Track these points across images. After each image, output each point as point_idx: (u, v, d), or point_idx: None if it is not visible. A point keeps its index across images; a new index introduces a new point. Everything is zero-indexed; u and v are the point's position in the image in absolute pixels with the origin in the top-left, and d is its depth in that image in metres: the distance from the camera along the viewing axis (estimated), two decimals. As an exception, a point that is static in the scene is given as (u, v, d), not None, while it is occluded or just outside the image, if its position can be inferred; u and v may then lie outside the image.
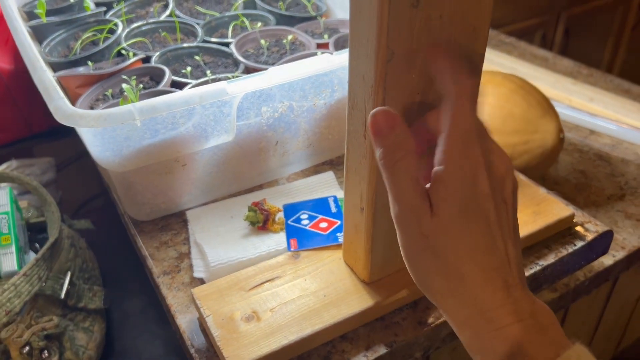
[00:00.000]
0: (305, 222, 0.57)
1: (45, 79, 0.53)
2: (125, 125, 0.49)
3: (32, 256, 0.69)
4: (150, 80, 0.67)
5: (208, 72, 0.67)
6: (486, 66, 1.19)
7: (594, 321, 0.85)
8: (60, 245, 0.67)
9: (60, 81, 0.67)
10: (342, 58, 0.58)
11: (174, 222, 0.60)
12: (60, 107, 0.48)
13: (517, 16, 1.90)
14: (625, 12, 2.20)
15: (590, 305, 0.81)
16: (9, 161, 0.91)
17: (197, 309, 0.48)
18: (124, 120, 0.48)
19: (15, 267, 0.65)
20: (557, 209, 0.57)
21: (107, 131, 0.48)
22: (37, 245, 0.73)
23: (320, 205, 0.60)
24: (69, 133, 1.09)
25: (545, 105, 0.74)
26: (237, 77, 0.65)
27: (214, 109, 0.53)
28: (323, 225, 0.57)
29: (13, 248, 0.66)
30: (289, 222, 0.58)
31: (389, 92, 0.39)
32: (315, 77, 0.59)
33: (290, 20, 0.81)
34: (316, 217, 0.58)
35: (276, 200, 0.61)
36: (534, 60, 1.22)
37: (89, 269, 0.72)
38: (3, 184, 0.76)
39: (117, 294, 0.75)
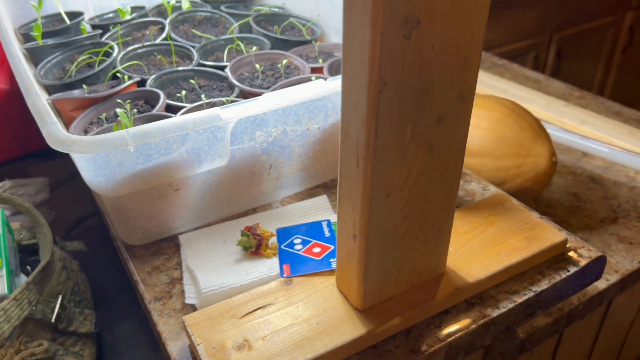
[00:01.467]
0: (299, 247, 0.57)
1: (39, 104, 0.53)
2: (119, 151, 0.49)
3: (23, 279, 0.69)
4: (145, 104, 0.67)
5: (203, 95, 0.68)
6: (479, 89, 1.20)
7: (589, 345, 0.84)
8: (51, 268, 0.66)
9: (54, 104, 0.67)
10: (335, 84, 0.58)
11: (167, 247, 0.60)
12: (53, 132, 0.48)
13: (510, 38, 1.92)
14: (616, 34, 2.23)
15: (585, 330, 0.80)
16: (2, 182, 0.90)
17: (189, 336, 0.48)
18: (117, 146, 0.48)
19: (5, 290, 0.64)
20: (550, 234, 0.57)
21: (100, 156, 0.48)
22: (28, 267, 0.72)
23: (313, 230, 0.60)
24: (63, 153, 1.10)
25: (538, 129, 0.75)
26: (231, 101, 0.66)
27: (207, 134, 0.53)
28: (316, 250, 0.57)
29: (4, 271, 0.66)
30: (282, 247, 0.57)
31: (381, 121, 0.39)
32: (309, 102, 0.59)
33: (286, 44, 0.82)
34: (309, 241, 0.58)
35: (269, 224, 0.61)
36: (526, 82, 1.23)
37: (81, 291, 0.71)
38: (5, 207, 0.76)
39: (108, 317, 0.74)
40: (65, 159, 0.84)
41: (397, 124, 0.40)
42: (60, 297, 0.65)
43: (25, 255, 0.73)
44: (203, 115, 0.51)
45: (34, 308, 0.61)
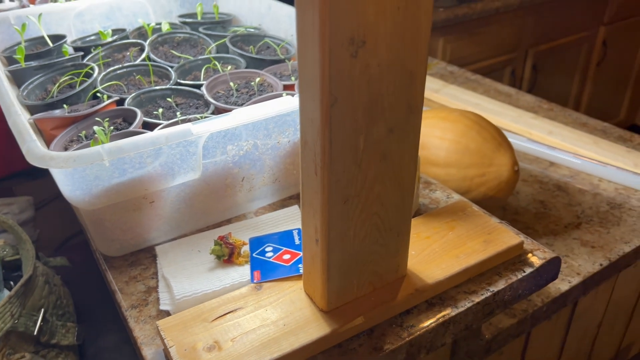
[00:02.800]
0: (270, 254, 0.60)
1: (19, 123, 0.56)
2: (95, 166, 0.52)
3: (6, 294, 0.71)
4: (123, 122, 0.70)
5: (178, 113, 0.71)
6: (452, 103, 1.25)
7: (557, 347, 0.88)
8: (34, 282, 0.68)
9: (36, 124, 0.70)
10: (302, 99, 0.62)
11: (144, 258, 0.62)
12: (32, 149, 0.51)
13: (487, 54, 1.99)
14: (590, 48, 2.31)
15: (552, 331, 0.84)
16: (-14, 201, 0.93)
17: (162, 340, 0.50)
18: (92, 161, 0.51)
19: (-13, 304, 0.66)
20: (507, 238, 0.61)
21: (77, 171, 0.51)
22: (11, 283, 0.74)
23: (285, 238, 0.63)
24: (48, 172, 1.12)
25: (500, 140, 0.79)
26: (205, 117, 0.69)
27: (180, 149, 0.56)
28: (286, 257, 0.59)
29: (-14, 286, 0.68)
30: (254, 254, 0.60)
31: (334, 133, 0.43)
32: (278, 117, 0.62)
33: (261, 63, 0.86)
34: (280, 249, 0.61)
35: (243, 234, 0.64)
36: (498, 96, 1.28)
37: (63, 305, 0.73)
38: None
39: (92, 330, 0.76)
40: (51, 178, 0.87)
41: (350, 134, 0.44)
42: (42, 310, 0.67)
43: (9, 271, 0.75)
44: (175, 130, 0.55)
45: (16, 321, 0.63)
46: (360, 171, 0.46)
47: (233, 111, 0.59)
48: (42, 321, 0.66)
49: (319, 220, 0.47)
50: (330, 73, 0.40)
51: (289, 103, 0.61)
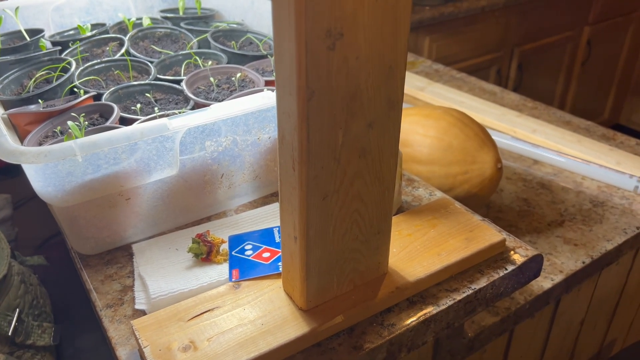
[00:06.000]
0: (249, 252, 0.59)
1: (-10, 117, 0.54)
2: (67, 161, 0.50)
3: (-21, 294, 0.69)
4: (100, 117, 0.69)
5: (156, 108, 0.69)
6: (437, 101, 1.24)
7: (540, 345, 0.87)
8: (9, 282, 0.67)
9: (10, 119, 0.68)
10: (282, 95, 0.61)
11: (120, 256, 0.61)
12: (2, 144, 0.50)
13: (472, 53, 1.99)
14: (575, 48, 2.32)
15: (535, 329, 0.83)
16: (-38, 198, 0.90)
17: (137, 340, 0.49)
18: (64, 156, 0.49)
19: (-41, 304, 0.64)
20: (489, 235, 0.60)
21: (49, 167, 0.50)
22: (-15, 282, 0.72)
23: (265, 236, 0.62)
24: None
25: (483, 137, 0.79)
26: (183, 112, 0.68)
27: (156, 144, 0.55)
28: (266, 255, 0.58)
29: (-42, 285, 0.66)
30: (233, 253, 0.59)
31: (312, 127, 0.42)
32: (258, 113, 0.61)
33: (242, 59, 0.85)
34: (260, 247, 0.60)
35: (223, 232, 0.63)
36: (482, 94, 1.28)
37: (40, 305, 0.72)
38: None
39: (69, 331, 0.75)
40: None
41: (329, 129, 0.43)
42: (17, 310, 0.65)
43: (-17, 270, 0.73)
44: (151, 125, 0.53)
45: (-11, 321, 0.62)
46: (339, 167, 0.45)
47: (211, 106, 0.58)
48: (17, 321, 0.65)
49: (297, 217, 0.46)
50: (307, 66, 0.39)
51: (269, 99, 0.60)
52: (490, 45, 2.03)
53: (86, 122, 0.64)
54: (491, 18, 1.97)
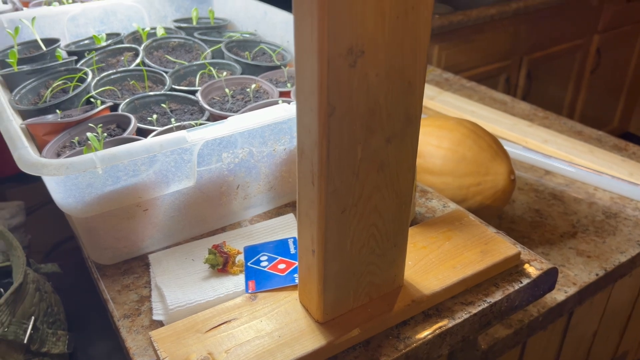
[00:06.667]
0: (265, 263, 0.59)
1: (10, 129, 0.55)
2: (87, 173, 0.51)
3: (-5, 301, 0.69)
4: (117, 128, 0.70)
5: (173, 119, 0.70)
6: (448, 110, 1.25)
7: (553, 357, 0.87)
8: (24, 289, 0.67)
9: (28, 129, 0.69)
10: (298, 107, 0.61)
11: (136, 266, 0.61)
12: (23, 155, 0.50)
13: (481, 61, 1.99)
14: (584, 56, 2.32)
15: (548, 341, 0.83)
16: (-23, 206, 0.91)
17: (155, 351, 0.49)
18: (85, 169, 0.50)
19: (-24, 312, 0.65)
20: (504, 248, 0.60)
21: (70, 179, 0.50)
22: (1, 290, 0.73)
23: (280, 247, 0.62)
24: (39, 177, 1.11)
25: (496, 149, 0.79)
26: (200, 124, 0.68)
27: (174, 156, 0.55)
28: (281, 266, 0.59)
29: (-24, 293, 0.67)
30: (249, 264, 0.59)
31: (332, 143, 0.42)
32: (274, 125, 0.62)
33: (256, 69, 0.85)
34: (275, 258, 0.60)
35: (238, 242, 0.63)
36: (493, 104, 1.28)
37: (54, 313, 0.72)
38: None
39: (83, 338, 0.75)
40: (42, 183, 0.86)
41: (348, 144, 0.43)
42: (33, 318, 0.66)
43: (-1, 277, 0.74)
44: (170, 137, 0.54)
45: (6, 329, 0.62)
46: (357, 181, 0.45)
47: (228, 118, 0.58)
48: (32, 329, 0.65)
49: (316, 231, 0.46)
50: (329, 83, 0.39)
51: (286, 111, 0.61)
52: (499, 54, 2.03)
53: (105, 134, 0.65)
54: (500, 26, 1.98)
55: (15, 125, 0.56)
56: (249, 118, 0.59)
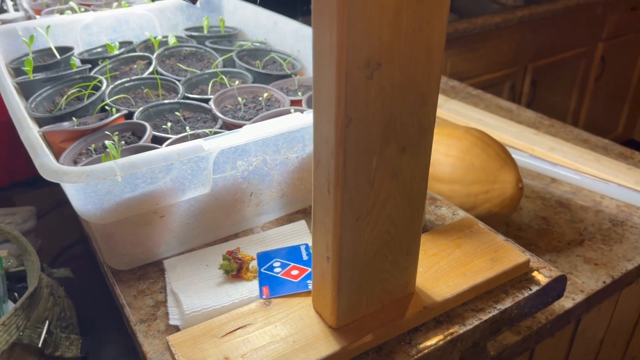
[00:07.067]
0: (278, 269, 0.60)
1: (32, 137, 0.56)
2: (107, 180, 0.52)
3: (10, 305, 0.71)
4: (132, 135, 0.71)
5: (187, 127, 0.71)
6: (454, 118, 1.26)
7: (560, 363, 0.88)
8: (39, 294, 0.68)
9: (45, 136, 0.70)
10: (311, 116, 0.62)
11: (152, 271, 0.62)
12: (45, 163, 0.52)
13: (486, 68, 2.01)
14: (589, 63, 2.33)
15: (556, 348, 0.84)
16: (-11, 211, 0.93)
17: (172, 356, 0.50)
18: (105, 176, 0.51)
19: (-7, 316, 0.66)
20: (513, 256, 0.61)
21: (90, 186, 0.52)
22: (15, 294, 0.74)
23: (292, 253, 0.63)
24: (49, 182, 1.12)
25: (504, 157, 0.80)
26: (214, 132, 0.70)
27: (191, 164, 0.57)
28: (294, 272, 0.60)
29: (-7, 298, 0.68)
30: (262, 270, 0.60)
31: (348, 152, 0.43)
32: (287, 134, 0.63)
33: (267, 78, 0.87)
34: (288, 264, 0.61)
35: (251, 248, 0.64)
36: (499, 111, 1.29)
37: (67, 317, 0.73)
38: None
39: (94, 342, 0.76)
40: (51, 188, 0.88)
41: (364, 154, 0.44)
42: (47, 322, 0.67)
43: (13, 282, 0.75)
44: (187, 146, 0.55)
45: (21, 333, 0.63)
46: (372, 190, 0.46)
47: (244, 127, 0.60)
48: (46, 333, 0.66)
49: (331, 238, 0.47)
50: (346, 95, 0.40)
51: (299, 120, 0.62)
52: (504, 61, 2.05)
53: (122, 142, 0.66)
54: (505, 34, 1.99)
55: (35, 133, 0.57)
56: (263, 127, 0.60)
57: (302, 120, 0.62)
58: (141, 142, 0.66)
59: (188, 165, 0.56)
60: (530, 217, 0.94)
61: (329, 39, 0.39)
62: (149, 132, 0.68)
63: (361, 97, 0.41)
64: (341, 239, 0.47)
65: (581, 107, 2.42)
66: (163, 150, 0.54)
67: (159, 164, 0.54)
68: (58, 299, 0.73)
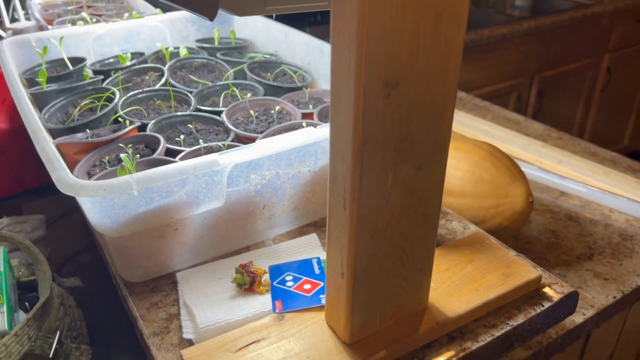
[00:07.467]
0: (290, 283, 0.61)
1: (48, 149, 0.57)
2: (123, 194, 0.52)
3: (21, 315, 0.71)
4: (146, 147, 0.71)
5: (201, 140, 0.72)
6: (461, 130, 1.26)
7: (570, 378, 0.87)
8: (50, 304, 0.69)
9: (58, 147, 0.71)
10: (325, 131, 0.63)
11: (164, 284, 0.63)
12: (62, 177, 0.52)
13: (493, 79, 2.01)
14: (595, 75, 2.33)
15: (565, 363, 0.83)
16: (0, 219, 0.93)
17: (186, 370, 0.51)
18: (122, 190, 0.51)
19: (5, 326, 0.66)
20: (525, 271, 0.61)
21: (106, 200, 0.52)
22: (26, 304, 0.75)
23: (304, 267, 0.64)
24: (58, 191, 1.13)
25: (514, 171, 0.80)
26: (227, 145, 0.70)
27: (206, 178, 0.57)
28: (307, 286, 0.60)
29: (4, 308, 0.68)
30: (274, 283, 0.61)
31: (365, 170, 0.43)
32: (301, 148, 0.63)
33: (278, 90, 0.87)
34: (300, 278, 0.61)
35: (262, 261, 0.65)
36: (506, 123, 1.29)
37: (77, 327, 0.74)
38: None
39: (103, 352, 0.77)
40: (59, 197, 0.88)
41: (380, 171, 0.45)
42: (58, 332, 0.67)
43: (24, 291, 0.76)
44: (202, 161, 0.56)
45: (33, 344, 0.64)
46: (387, 206, 0.47)
47: (258, 142, 0.60)
48: (57, 344, 0.66)
49: (346, 254, 0.48)
50: (364, 114, 0.41)
51: (313, 134, 0.62)
52: (510, 72, 2.05)
53: (137, 155, 0.67)
54: (512, 45, 2.00)
55: (52, 145, 0.58)
56: (278, 141, 0.60)
57: (316, 134, 0.63)
58: (155, 155, 0.66)
59: (203, 179, 0.57)
60: (539, 230, 0.94)
61: (347, 58, 0.40)
62: (163, 144, 0.68)
63: (378, 116, 0.42)
64: (356, 255, 0.47)
65: (587, 118, 2.42)
66: (179, 164, 0.55)
67: (174, 178, 0.54)
68: (68, 308, 0.73)
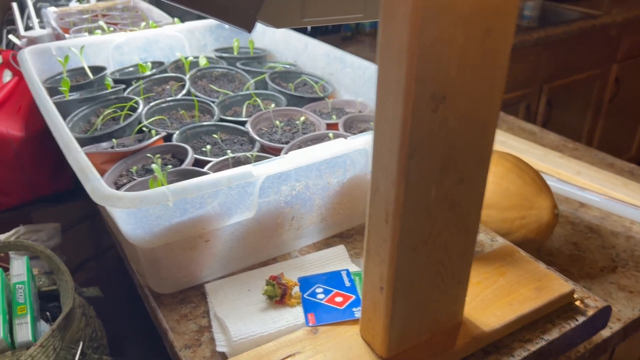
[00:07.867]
0: (321, 296, 0.60)
1: (81, 160, 0.57)
2: (158, 205, 0.52)
3: (42, 325, 0.70)
4: (173, 158, 0.71)
5: (228, 151, 0.72)
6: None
7: (594, 392, 0.86)
8: (73, 314, 0.68)
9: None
10: (355, 142, 0.63)
11: (193, 295, 0.62)
12: (97, 188, 0.52)
13: (502, 89, 2.01)
14: (603, 85, 2.34)
15: (590, 376, 0.82)
16: (17, 227, 0.93)
17: (221, 384, 0.50)
18: (158, 202, 0.51)
19: (29, 337, 0.66)
20: (557, 285, 0.61)
21: (141, 211, 0.52)
22: (47, 314, 0.74)
23: (333, 279, 0.63)
24: (71, 198, 1.12)
25: (540, 183, 0.80)
26: (255, 156, 0.70)
27: (239, 189, 0.57)
28: (338, 299, 0.59)
29: (28, 318, 0.68)
30: (305, 296, 0.60)
31: (410, 183, 0.43)
32: (330, 159, 0.63)
33: (300, 101, 0.87)
34: (331, 291, 0.61)
35: (290, 273, 0.64)
36: (521, 133, 1.29)
37: (98, 337, 0.73)
38: (20, 253, 0.78)
39: (120, 363, 0.76)
40: (70, 204, 0.88)
41: (424, 184, 0.44)
42: (80, 343, 0.67)
43: (44, 301, 0.75)
44: (237, 172, 0.55)
45: (57, 355, 0.63)
46: (429, 219, 0.46)
47: (290, 153, 0.60)
48: (80, 354, 0.66)
49: (386, 269, 0.47)
50: (412, 127, 0.41)
51: (344, 145, 0.62)
52: (520, 82, 2.05)
53: (169, 165, 0.67)
54: (521, 55, 2.00)
55: (84, 156, 0.58)
56: (309, 153, 0.60)
57: (347, 145, 0.62)
58: (184, 166, 0.66)
59: (236, 191, 0.57)
60: (561, 242, 0.93)
61: (396, 73, 0.39)
62: (191, 155, 0.68)
63: (425, 129, 0.41)
64: (397, 269, 0.47)
65: (595, 127, 2.42)
66: (213, 175, 0.55)
67: (209, 190, 0.54)
68: (90, 319, 0.73)
